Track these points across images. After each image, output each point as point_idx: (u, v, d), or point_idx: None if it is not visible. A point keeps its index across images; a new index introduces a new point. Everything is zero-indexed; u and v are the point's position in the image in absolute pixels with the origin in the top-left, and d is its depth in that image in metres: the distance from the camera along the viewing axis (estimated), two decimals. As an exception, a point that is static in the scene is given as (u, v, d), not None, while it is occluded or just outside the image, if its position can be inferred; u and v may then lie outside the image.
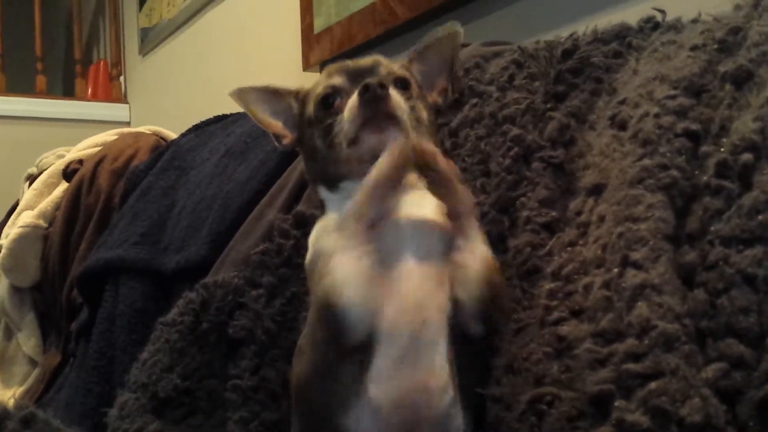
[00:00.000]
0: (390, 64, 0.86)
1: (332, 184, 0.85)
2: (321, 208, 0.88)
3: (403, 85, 0.83)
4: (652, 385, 0.60)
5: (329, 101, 0.82)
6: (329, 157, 0.82)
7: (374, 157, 0.77)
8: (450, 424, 0.75)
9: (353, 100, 0.78)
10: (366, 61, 0.86)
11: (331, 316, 0.72)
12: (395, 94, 0.78)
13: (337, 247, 0.74)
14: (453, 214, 0.77)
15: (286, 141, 0.93)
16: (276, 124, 0.92)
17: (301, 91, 0.90)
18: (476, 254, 0.77)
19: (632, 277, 0.66)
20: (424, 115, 0.85)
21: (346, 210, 0.77)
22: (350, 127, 0.78)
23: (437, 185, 0.77)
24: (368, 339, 0.73)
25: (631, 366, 0.62)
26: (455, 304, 0.76)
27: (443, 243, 0.77)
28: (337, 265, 0.73)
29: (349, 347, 0.73)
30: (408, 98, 0.81)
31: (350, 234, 0.74)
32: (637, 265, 0.66)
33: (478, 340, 0.78)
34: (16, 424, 0.95)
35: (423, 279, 0.75)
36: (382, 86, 0.76)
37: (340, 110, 0.80)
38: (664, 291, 0.64)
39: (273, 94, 0.91)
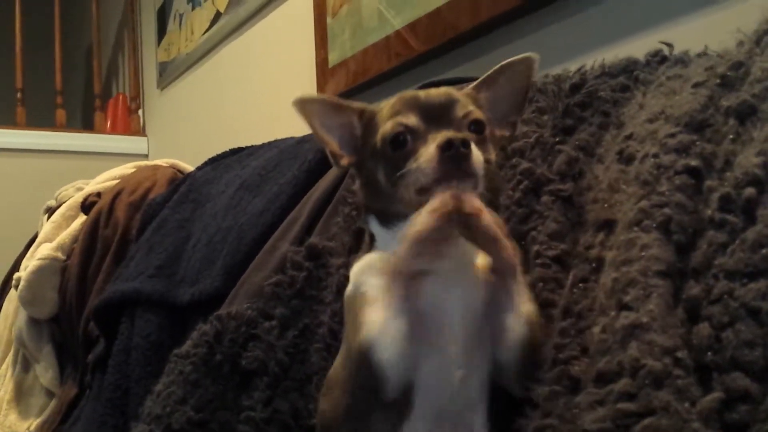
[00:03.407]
0: (465, 102, 0.80)
1: (387, 219, 0.82)
2: (369, 241, 0.85)
3: (477, 128, 0.79)
4: (645, 422, 0.60)
5: (400, 140, 0.77)
6: (390, 194, 0.79)
7: None
8: None
9: (432, 152, 0.73)
10: (440, 96, 0.79)
11: (366, 371, 0.72)
12: (476, 151, 0.73)
13: (375, 299, 0.73)
14: (498, 270, 0.75)
15: (343, 162, 0.86)
16: (333, 143, 0.85)
17: (367, 110, 0.84)
18: (521, 315, 0.75)
19: (624, 318, 0.66)
20: (493, 156, 0.81)
21: (390, 261, 0.75)
22: (424, 179, 0.73)
23: (481, 240, 0.74)
24: (405, 394, 0.74)
25: (625, 405, 0.62)
26: (496, 364, 0.76)
27: (487, 299, 0.76)
28: (372, 320, 0.72)
29: (384, 399, 0.73)
30: (482, 142, 0.78)
31: (388, 288, 0.73)
32: (628, 307, 0.67)
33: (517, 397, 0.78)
34: (32, 456, 0.96)
35: (464, 336, 0.75)
36: (465, 144, 0.72)
37: (412, 153, 0.76)
38: (653, 329, 0.64)
39: (335, 108, 0.85)
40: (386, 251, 0.80)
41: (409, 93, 0.82)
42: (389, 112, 0.80)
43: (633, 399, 0.63)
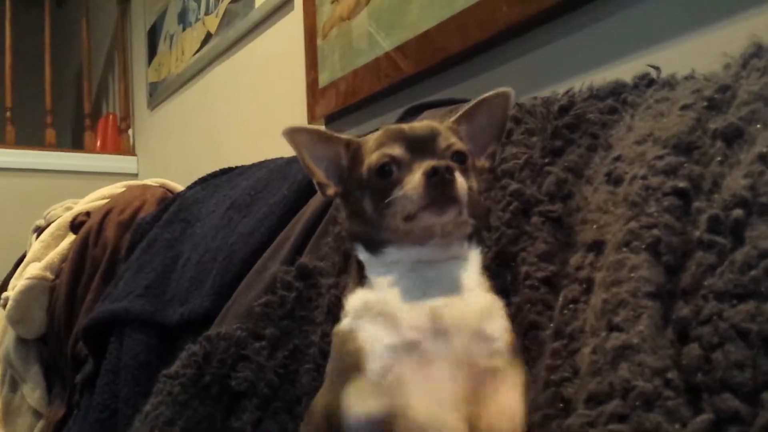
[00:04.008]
0: (447, 134, 0.82)
1: (374, 247, 0.82)
2: (357, 270, 0.85)
3: (460, 158, 0.81)
4: None
5: (386, 170, 0.79)
6: (378, 223, 0.80)
7: (428, 234, 0.78)
8: None
9: (418, 179, 0.75)
10: (423, 128, 0.82)
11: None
12: (460, 178, 0.76)
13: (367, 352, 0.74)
14: None
15: (329, 192, 0.88)
16: (320, 173, 0.88)
17: (353, 142, 0.87)
18: None
19: (614, 339, 0.67)
20: (476, 186, 0.83)
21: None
22: (411, 207, 0.76)
23: None
24: None
25: (616, 426, 0.62)
26: None
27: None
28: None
29: None
30: (464, 172, 0.80)
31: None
32: (618, 328, 0.68)
33: None
34: (18, 478, 0.95)
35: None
36: (450, 171, 0.75)
37: (398, 182, 0.78)
38: (643, 350, 0.65)
39: (323, 139, 0.87)
40: (376, 281, 0.81)
41: (394, 126, 0.84)
42: (375, 144, 0.82)
43: (624, 420, 0.63)
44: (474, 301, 0.78)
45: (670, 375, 0.63)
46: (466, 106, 0.89)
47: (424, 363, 0.73)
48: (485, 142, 0.90)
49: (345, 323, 0.81)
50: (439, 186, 0.75)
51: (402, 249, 0.80)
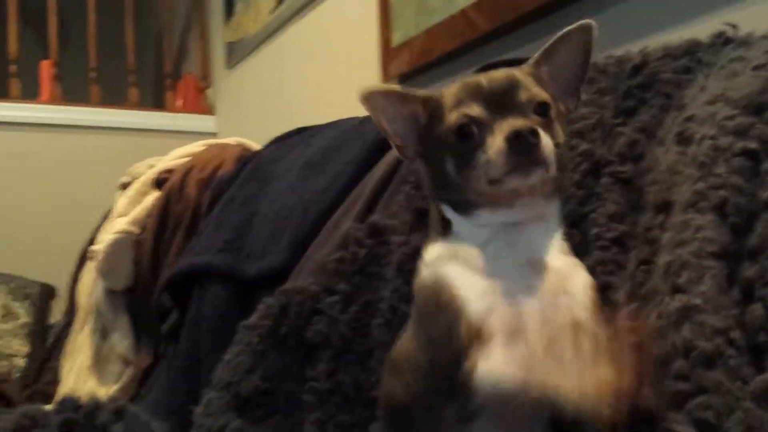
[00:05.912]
0: (528, 83, 0.78)
1: (463, 208, 0.81)
2: (440, 226, 0.84)
3: (543, 110, 0.78)
4: (698, 400, 0.62)
5: (466, 131, 0.76)
6: (462, 185, 0.78)
7: (515, 195, 0.76)
8: None
9: (501, 144, 0.73)
10: (502, 80, 0.78)
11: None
12: (545, 138, 0.73)
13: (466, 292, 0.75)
14: None
15: (409, 154, 0.86)
16: (398, 137, 0.85)
17: (431, 99, 0.83)
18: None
19: (677, 301, 0.67)
20: (561, 135, 0.80)
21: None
22: (495, 172, 0.74)
23: None
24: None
25: (679, 385, 0.64)
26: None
27: None
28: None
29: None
30: (548, 125, 0.77)
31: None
32: (681, 290, 0.68)
33: None
34: (109, 415, 1.01)
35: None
36: (535, 133, 0.72)
37: (479, 144, 0.75)
38: (705, 310, 0.65)
39: (399, 99, 0.84)
40: (465, 238, 0.81)
41: (472, 80, 0.80)
42: (452, 102, 0.79)
43: (687, 380, 0.64)
44: (558, 263, 0.78)
45: (732, 334, 0.64)
46: (545, 45, 0.85)
47: (518, 313, 0.73)
48: (568, 82, 0.85)
49: (427, 274, 0.81)
50: (523, 150, 0.72)
51: (493, 211, 0.78)
